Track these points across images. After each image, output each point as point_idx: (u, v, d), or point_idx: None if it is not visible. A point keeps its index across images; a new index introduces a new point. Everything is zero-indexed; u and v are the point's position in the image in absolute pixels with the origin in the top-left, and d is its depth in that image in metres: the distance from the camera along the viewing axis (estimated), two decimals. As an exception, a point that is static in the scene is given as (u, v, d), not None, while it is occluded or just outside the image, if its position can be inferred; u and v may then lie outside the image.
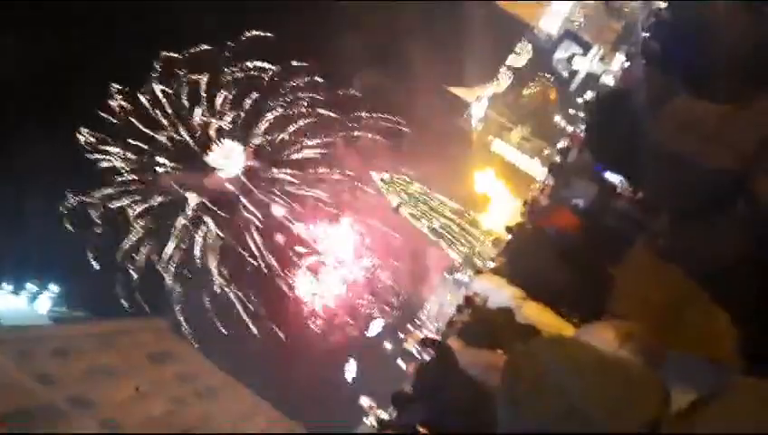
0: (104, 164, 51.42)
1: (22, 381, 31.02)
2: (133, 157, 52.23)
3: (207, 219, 53.21)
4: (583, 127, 10.94)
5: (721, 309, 2.64)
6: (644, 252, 6.83)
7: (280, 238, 55.02)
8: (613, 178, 4.55)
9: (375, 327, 58.24)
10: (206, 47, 51.94)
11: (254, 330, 53.07)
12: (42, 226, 46.98)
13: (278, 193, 55.20)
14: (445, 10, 54.67)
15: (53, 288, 43.27)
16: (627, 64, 11.92)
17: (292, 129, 54.72)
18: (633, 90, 3.53)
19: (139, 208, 51.93)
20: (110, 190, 51.31)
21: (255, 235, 54.33)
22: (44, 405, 30.74)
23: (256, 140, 54.88)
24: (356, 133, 54.16)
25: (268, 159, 55.24)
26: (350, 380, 58.29)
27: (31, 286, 41.85)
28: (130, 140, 51.84)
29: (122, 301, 49.74)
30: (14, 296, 40.00)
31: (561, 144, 15.22)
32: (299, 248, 55.58)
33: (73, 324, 40.96)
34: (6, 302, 38.80)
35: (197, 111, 53.10)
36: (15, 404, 29.29)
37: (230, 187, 54.10)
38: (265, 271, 54.32)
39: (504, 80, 51.03)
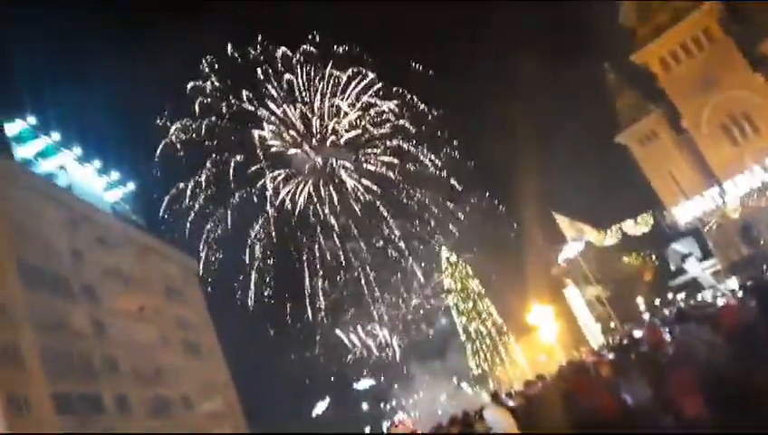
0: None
1: (58, 246, 32.33)
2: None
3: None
4: (666, 328, 10.53)
5: None
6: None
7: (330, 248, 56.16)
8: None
9: (364, 383, 57.58)
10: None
11: (271, 330, 53.85)
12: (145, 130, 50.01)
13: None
14: (601, 149, 55.27)
15: (129, 185, 45.32)
16: (739, 294, 11.39)
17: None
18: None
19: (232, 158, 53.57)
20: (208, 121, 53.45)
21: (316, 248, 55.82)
22: (60, 275, 31.89)
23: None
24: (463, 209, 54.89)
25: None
26: (315, 413, 57.85)
27: (114, 175, 43.91)
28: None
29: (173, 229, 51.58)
30: (95, 175, 41.99)
31: (637, 333, 14.58)
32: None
33: (124, 223, 42.46)
34: (85, 175, 40.81)
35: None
36: (44, 260, 30.61)
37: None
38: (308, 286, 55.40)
39: (611, 236, 49.88)
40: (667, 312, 25.28)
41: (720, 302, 10.34)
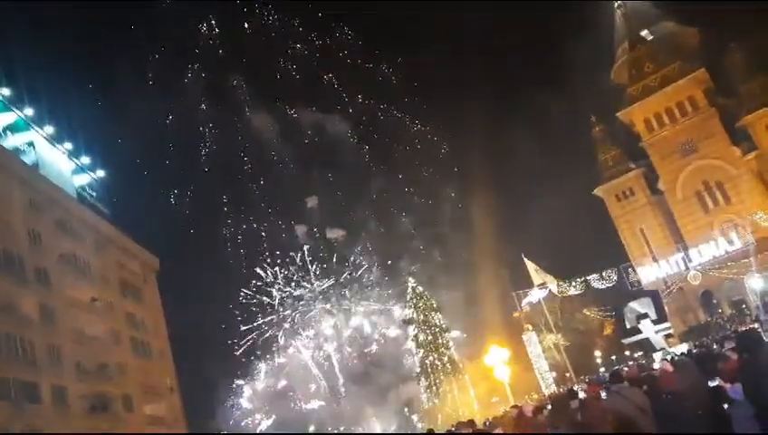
0: None
1: (15, 225, 31.36)
2: None
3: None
4: (608, 382, 10.48)
5: None
6: None
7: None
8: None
9: (313, 403, 57.06)
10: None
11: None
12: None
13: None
14: (580, 200, 56.34)
15: (99, 172, 44.33)
16: (681, 362, 11.39)
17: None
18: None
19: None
20: None
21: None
22: (14, 255, 30.82)
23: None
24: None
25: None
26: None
27: (84, 160, 42.93)
28: None
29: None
30: (64, 157, 40.87)
31: (577, 387, 14.51)
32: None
33: (88, 210, 41.34)
34: (54, 156, 39.70)
35: None
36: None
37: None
38: None
39: (575, 287, 50.11)
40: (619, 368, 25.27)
41: (658, 366, 10.28)
